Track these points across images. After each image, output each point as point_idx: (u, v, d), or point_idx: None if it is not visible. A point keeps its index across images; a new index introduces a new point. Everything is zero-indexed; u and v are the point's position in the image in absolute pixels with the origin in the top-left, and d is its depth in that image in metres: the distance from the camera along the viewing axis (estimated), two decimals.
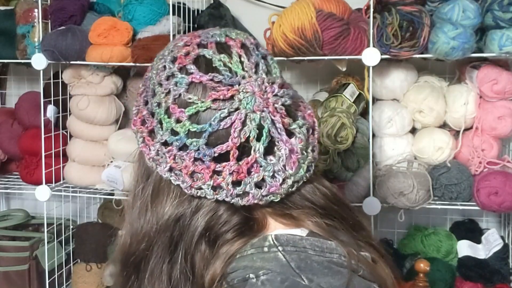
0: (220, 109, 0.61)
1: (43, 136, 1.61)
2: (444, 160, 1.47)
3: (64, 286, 1.83)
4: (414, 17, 1.35)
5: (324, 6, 1.39)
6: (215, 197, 0.62)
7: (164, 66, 0.65)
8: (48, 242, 1.73)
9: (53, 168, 1.66)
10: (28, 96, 1.81)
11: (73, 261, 1.87)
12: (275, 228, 0.65)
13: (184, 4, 1.61)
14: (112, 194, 1.70)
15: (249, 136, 0.61)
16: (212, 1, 1.71)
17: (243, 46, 0.65)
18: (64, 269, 1.81)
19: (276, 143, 0.63)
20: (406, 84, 1.51)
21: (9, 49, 1.69)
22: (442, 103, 1.49)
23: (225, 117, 0.61)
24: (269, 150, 0.63)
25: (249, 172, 0.62)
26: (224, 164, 0.61)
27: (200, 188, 0.63)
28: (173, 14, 1.50)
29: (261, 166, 0.62)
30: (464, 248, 1.56)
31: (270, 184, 0.63)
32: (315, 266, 0.60)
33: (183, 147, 0.62)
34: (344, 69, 1.49)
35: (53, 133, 1.67)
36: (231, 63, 0.63)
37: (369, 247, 0.69)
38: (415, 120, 1.52)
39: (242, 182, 0.62)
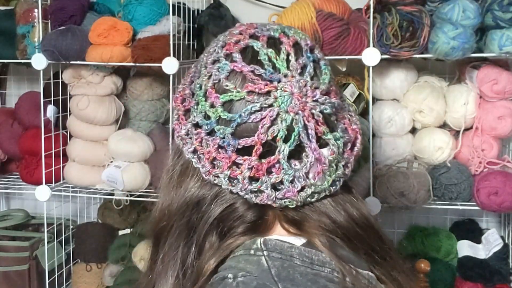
0: (253, 102, 0.60)
1: (43, 136, 1.61)
2: (444, 160, 1.47)
3: (64, 286, 1.83)
4: (414, 17, 1.35)
5: (324, 6, 1.39)
6: (229, 188, 0.62)
7: (214, 50, 0.65)
8: (48, 242, 1.73)
9: (53, 168, 1.66)
10: (28, 96, 1.81)
11: (73, 261, 1.87)
12: (278, 233, 0.64)
13: (184, 4, 1.61)
14: (112, 194, 1.70)
15: (276, 135, 0.60)
16: (212, 1, 1.71)
17: (295, 45, 0.64)
18: (64, 269, 1.81)
19: (303, 149, 0.61)
20: (406, 84, 1.51)
21: (9, 49, 1.69)
22: (442, 103, 1.49)
23: (256, 111, 0.60)
24: (296, 154, 0.61)
25: (268, 172, 0.61)
26: (245, 157, 0.61)
27: (217, 176, 0.62)
28: (173, 14, 1.50)
29: (282, 169, 0.61)
30: (464, 248, 1.56)
31: (287, 188, 0.61)
32: (297, 277, 0.57)
33: (211, 132, 0.62)
34: (344, 69, 1.49)
35: (53, 133, 1.67)
36: (276, 59, 0.62)
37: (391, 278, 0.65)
38: (415, 120, 1.52)
39: (260, 179, 0.61)
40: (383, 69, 1.49)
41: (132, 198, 1.66)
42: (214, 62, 0.64)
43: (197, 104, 0.63)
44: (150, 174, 1.64)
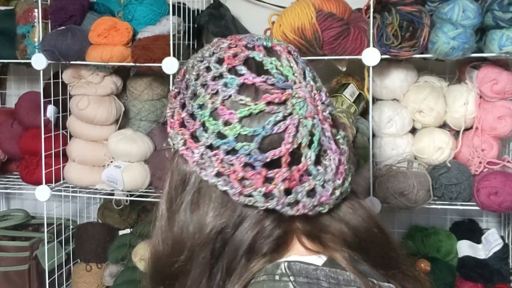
0: (274, 113, 0.58)
1: (43, 136, 1.61)
2: (444, 160, 1.47)
3: (64, 286, 1.83)
4: (414, 17, 1.35)
5: (324, 6, 1.39)
6: (265, 206, 0.59)
7: (208, 67, 0.62)
8: (48, 242, 1.73)
9: (53, 168, 1.66)
10: (28, 96, 1.81)
11: (73, 261, 1.87)
12: (296, 251, 0.62)
13: (184, 4, 1.61)
14: (112, 194, 1.70)
15: (301, 143, 0.59)
16: (212, 1, 1.71)
17: (289, 52, 0.64)
18: (64, 269, 1.81)
19: (324, 152, 0.61)
20: (406, 84, 1.51)
21: (9, 49, 1.69)
22: (442, 103, 1.49)
23: (279, 121, 0.58)
24: (317, 159, 0.60)
25: (300, 181, 0.59)
26: (276, 170, 0.58)
27: (250, 195, 0.59)
28: (173, 14, 1.50)
29: (310, 175, 0.60)
30: (464, 248, 1.56)
31: (320, 194, 0.60)
32: None
33: (231, 151, 0.59)
34: (344, 69, 1.49)
35: (53, 133, 1.67)
36: (282, 67, 0.61)
37: (403, 277, 0.65)
38: (415, 120, 1.52)
39: (293, 190, 0.59)
40: (383, 69, 1.49)
41: (132, 198, 1.66)
42: (214, 78, 0.61)
43: (203, 125, 0.60)
44: (150, 174, 1.64)
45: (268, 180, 0.59)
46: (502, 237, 1.58)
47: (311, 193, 0.60)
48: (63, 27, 1.56)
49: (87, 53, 1.53)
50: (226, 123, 0.59)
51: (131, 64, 1.52)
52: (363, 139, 1.45)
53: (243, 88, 0.60)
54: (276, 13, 1.46)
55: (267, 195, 0.59)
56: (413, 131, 1.55)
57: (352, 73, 1.58)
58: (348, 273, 0.59)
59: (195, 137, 0.61)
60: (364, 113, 1.54)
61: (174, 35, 1.47)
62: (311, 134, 0.60)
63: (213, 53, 0.64)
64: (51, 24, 1.61)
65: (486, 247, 1.56)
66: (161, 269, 0.65)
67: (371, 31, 1.37)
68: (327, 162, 0.61)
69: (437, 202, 1.47)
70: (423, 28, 1.34)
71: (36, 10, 1.62)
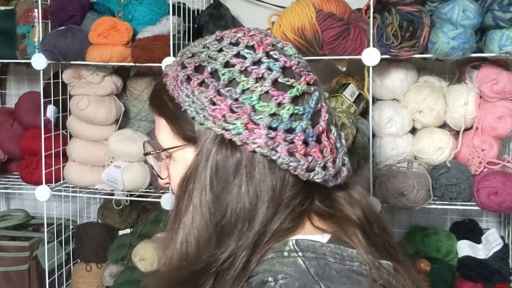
0: (312, 92, 0.64)
1: (43, 136, 1.61)
2: (444, 160, 1.47)
3: (64, 286, 1.83)
4: (414, 17, 1.35)
5: (324, 6, 1.39)
6: (323, 178, 0.64)
7: (240, 55, 0.64)
8: (48, 242, 1.73)
9: (53, 168, 1.66)
10: (28, 96, 1.81)
11: (73, 261, 1.87)
12: (304, 230, 0.65)
13: (184, 4, 1.61)
14: (112, 194, 1.70)
15: (328, 119, 0.66)
16: (212, 1, 1.71)
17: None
18: (64, 269, 1.81)
19: (336, 127, 0.68)
20: (406, 84, 1.51)
21: (9, 49, 1.69)
22: (442, 103, 1.49)
23: (318, 99, 0.65)
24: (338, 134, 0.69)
25: (336, 153, 0.66)
26: (323, 144, 0.64)
27: (313, 170, 0.63)
28: (173, 14, 1.50)
29: (337, 148, 0.66)
30: (464, 248, 1.56)
31: (347, 164, 0.67)
32: (334, 274, 0.59)
33: (290, 130, 0.62)
34: (344, 69, 1.49)
35: (53, 133, 1.67)
36: (297, 53, 0.67)
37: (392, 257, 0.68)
38: (415, 120, 1.52)
39: (336, 161, 0.65)
40: (383, 69, 1.49)
41: (132, 198, 1.66)
42: (255, 63, 0.63)
43: (254, 109, 0.62)
44: (150, 174, 1.64)
45: (321, 153, 0.64)
46: (502, 237, 1.58)
47: (344, 163, 0.67)
48: (63, 27, 1.56)
49: (87, 53, 1.53)
50: (280, 104, 0.62)
51: (131, 64, 1.53)
52: (363, 139, 1.45)
53: (285, 71, 0.64)
54: (276, 13, 1.46)
55: (324, 168, 0.64)
56: (413, 131, 1.55)
57: (352, 73, 1.58)
58: (351, 249, 0.62)
59: (252, 121, 0.62)
60: (364, 113, 1.54)
61: (174, 35, 1.47)
62: (330, 112, 0.67)
63: (236, 42, 0.66)
64: (51, 24, 1.61)
65: (486, 247, 1.56)
66: (192, 266, 0.64)
67: (371, 31, 1.37)
68: (342, 138, 0.68)
69: (437, 202, 1.47)
70: (423, 28, 1.34)
71: (36, 10, 1.62)
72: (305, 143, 0.63)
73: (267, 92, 0.62)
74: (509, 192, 1.36)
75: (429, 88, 1.49)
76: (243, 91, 0.62)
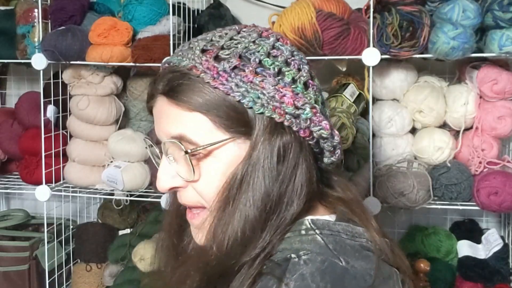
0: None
1: (43, 136, 1.61)
2: (444, 160, 1.47)
3: (64, 286, 1.83)
4: (414, 17, 1.35)
5: (324, 6, 1.39)
6: (336, 150, 0.72)
7: (276, 47, 0.69)
8: (48, 242, 1.73)
9: (53, 168, 1.66)
10: (28, 96, 1.81)
11: (73, 261, 1.87)
12: (314, 212, 0.69)
13: (184, 4, 1.61)
14: (112, 194, 1.70)
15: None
16: (212, 1, 1.71)
17: None
18: (64, 269, 1.81)
19: None
20: (406, 84, 1.51)
21: (9, 49, 1.69)
22: (442, 103, 1.49)
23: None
24: None
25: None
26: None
27: (338, 149, 0.72)
28: (173, 14, 1.50)
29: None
30: (464, 248, 1.56)
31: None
32: (348, 249, 0.64)
33: (326, 114, 0.71)
34: (344, 69, 1.49)
35: (53, 133, 1.67)
36: None
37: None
38: (415, 120, 1.52)
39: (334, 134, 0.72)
40: (383, 69, 1.49)
41: (132, 198, 1.66)
42: (292, 55, 0.69)
43: (305, 96, 0.67)
44: (150, 174, 1.64)
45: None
46: (502, 237, 1.58)
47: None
48: (63, 27, 1.56)
49: (87, 53, 1.53)
50: (316, 92, 0.70)
51: (131, 64, 1.52)
52: (363, 139, 1.45)
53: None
54: (276, 13, 1.46)
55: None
56: (413, 131, 1.55)
57: (352, 73, 1.58)
58: (358, 227, 0.67)
59: (314, 107, 0.68)
60: (364, 113, 1.54)
61: (174, 35, 1.47)
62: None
63: (263, 35, 0.70)
64: (51, 24, 1.61)
65: (486, 247, 1.56)
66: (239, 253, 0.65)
67: (371, 31, 1.36)
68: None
69: (437, 202, 1.47)
70: (423, 28, 1.34)
71: (36, 10, 1.62)
72: (331, 127, 0.69)
73: (306, 81, 0.68)
74: (509, 192, 1.36)
75: (429, 88, 1.49)
76: (293, 81, 0.67)
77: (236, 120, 0.65)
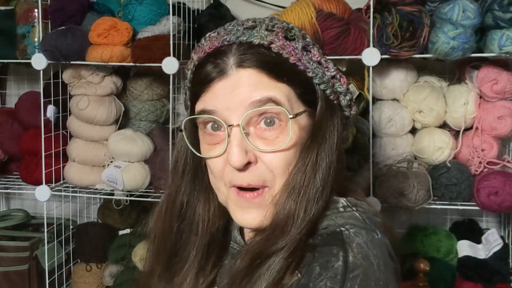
0: None
1: (43, 136, 1.61)
2: (444, 160, 1.47)
3: (64, 286, 1.83)
4: (414, 17, 1.35)
5: (324, 6, 1.39)
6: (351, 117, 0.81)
7: (312, 43, 0.75)
8: (48, 242, 1.73)
9: (53, 168, 1.66)
10: (28, 96, 1.81)
11: (73, 261, 1.87)
12: (339, 191, 0.75)
13: (184, 4, 1.61)
14: (112, 194, 1.70)
15: None
16: (212, 1, 1.71)
17: None
18: (64, 269, 1.81)
19: None
20: (406, 84, 1.51)
21: (9, 49, 1.69)
22: (442, 103, 1.49)
23: None
24: None
25: None
26: None
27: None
28: (173, 14, 1.50)
29: None
30: (464, 248, 1.56)
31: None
32: (377, 224, 0.70)
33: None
34: (344, 69, 1.49)
35: (53, 133, 1.67)
36: None
37: None
38: (415, 120, 1.52)
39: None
40: (383, 69, 1.49)
41: (132, 198, 1.66)
42: (319, 52, 0.75)
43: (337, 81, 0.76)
44: (150, 174, 1.64)
45: None
46: (502, 237, 1.58)
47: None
48: (63, 27, 1.56)
49: (87, 53, 1.53)
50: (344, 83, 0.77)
51: (131, 64, 1.52)
52: (363, 139, 1.45)
53: None
54: (276, 13, 1.46)
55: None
56: (413, 131, 1.55)
57: (352, 73, 1.58)
58: (372, 208, 0.75)
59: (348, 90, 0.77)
60: (364, 113, 1.54)
61: (174, 35, 1.47)
62: None
63: (303, 32, 0.76)
64: (51, 24, 1.61)
65: (486, 247, 1.56)
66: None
67: (371, 31, 1.37)
68: None
69: (437, 202, 1.47)
70: (423, 28, 1.34)
71: (36, 10, 1.62)
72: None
73: (335, 75, 0.75)
74: (509, 192, 1.36)
75: (429, 88, 1.49)
76: (333, 76, 0.75)
77: (309, 95, 0.72)
